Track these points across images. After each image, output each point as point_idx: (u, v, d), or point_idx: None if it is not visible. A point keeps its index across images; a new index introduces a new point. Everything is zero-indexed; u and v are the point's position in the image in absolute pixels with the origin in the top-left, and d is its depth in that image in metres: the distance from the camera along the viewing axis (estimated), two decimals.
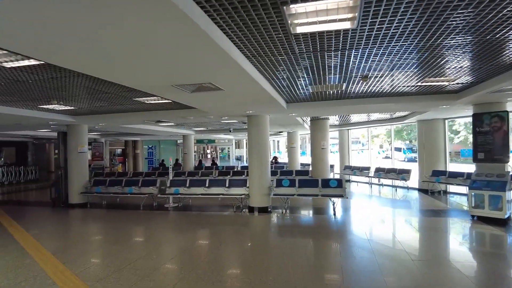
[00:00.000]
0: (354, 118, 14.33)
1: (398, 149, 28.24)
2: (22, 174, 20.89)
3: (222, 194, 9.80)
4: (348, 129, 18.30)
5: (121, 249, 6.09)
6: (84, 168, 11.34)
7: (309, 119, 13.79)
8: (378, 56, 4.54)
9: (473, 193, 7.87)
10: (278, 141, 39.12)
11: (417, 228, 7.45)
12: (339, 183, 9.36)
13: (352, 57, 4.57)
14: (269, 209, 9.36)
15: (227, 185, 10.10)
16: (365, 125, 16.83)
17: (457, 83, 6.59)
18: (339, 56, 4.53)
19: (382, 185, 15.09)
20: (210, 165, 20.39)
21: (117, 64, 3.81)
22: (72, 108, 8.49)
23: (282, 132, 19.29)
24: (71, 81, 5.61)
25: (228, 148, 31.42)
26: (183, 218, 9.00)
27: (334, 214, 8.77)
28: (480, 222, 7.58)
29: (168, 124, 13.61)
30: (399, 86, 6.78)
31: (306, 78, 5.75)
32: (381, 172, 15.00)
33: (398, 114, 12.37)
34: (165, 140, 25.40)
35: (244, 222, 8.44)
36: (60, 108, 8.51)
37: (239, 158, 32.21)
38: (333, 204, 9.31)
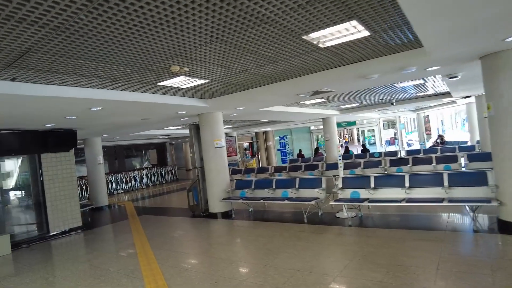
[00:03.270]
0: None
1: None
2: (163, 175, 20.93)
3: (448, 201, 5.70)
4: None
5: None
6: (223, 168, 8.83)
7: None
8: None
9: None
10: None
11: None
12: None
13: None
14: None
15: (446, 183, 5.95)
16: None
17: None
18: None
19: None
20: (360, 151, 16.26)
21: None
22: (203, 82, 5.73)
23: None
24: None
25: (371, 130, 25.91)
26: (387, 243, 5.28)
27: None
28: None
29: (315, 102, 10.19)
30: None
31: None
32: None
33: None
34: (297, 128, 22.42)
35: None
36: (187, 85, 5.86)
37: (410, 144, 25.03)
38: None
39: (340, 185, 7.10)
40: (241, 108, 8.68)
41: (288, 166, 12.67)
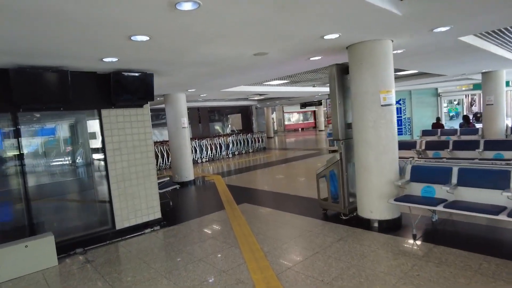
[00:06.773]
0: None
1: None
2: (249, 143, 17.93)
3: None
4: None
5: None
6: (391, 142, 4.97)
7: None
8: None
9: None
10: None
11: None
12: None
13: None
14: None
15: None
16: None
17: None
18: None
19: None
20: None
21: None
22: None
23: None
24: None
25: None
26: None
27: None
28: None
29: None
30: None
31: None
32: None
33: None
34: (419, 89, 17.21)
35: None
36: None
37: None
38: None
39: None
40: (445, 29, 4.53)
41: (452, 143, 8.23)
